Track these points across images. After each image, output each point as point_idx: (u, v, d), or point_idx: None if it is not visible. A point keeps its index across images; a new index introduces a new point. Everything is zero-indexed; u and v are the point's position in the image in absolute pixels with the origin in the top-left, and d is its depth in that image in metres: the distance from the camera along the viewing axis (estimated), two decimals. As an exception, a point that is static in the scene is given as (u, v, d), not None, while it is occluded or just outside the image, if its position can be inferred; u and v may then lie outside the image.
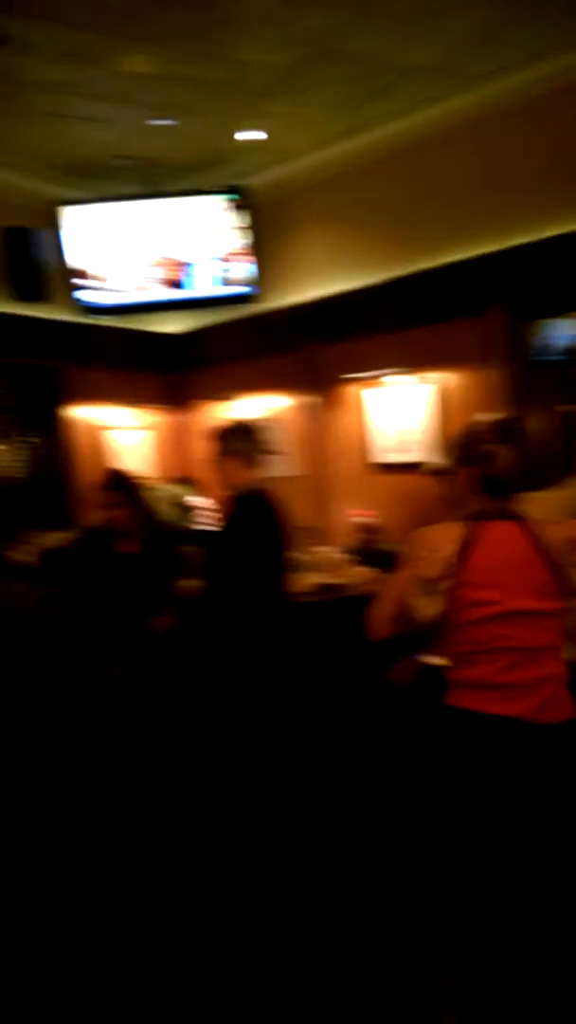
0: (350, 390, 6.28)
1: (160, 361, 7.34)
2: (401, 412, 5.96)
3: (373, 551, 5.36)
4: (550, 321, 5.79)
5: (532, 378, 5.53)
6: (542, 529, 2.19)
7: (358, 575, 4.84)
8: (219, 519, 3.85)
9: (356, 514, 5.84)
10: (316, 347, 6.37)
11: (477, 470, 2.19)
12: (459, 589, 2.14)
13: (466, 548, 2.15)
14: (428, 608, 2.16)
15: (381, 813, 3.46)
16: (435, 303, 5.61)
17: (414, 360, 5.81)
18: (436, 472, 2.46)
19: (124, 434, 7.10)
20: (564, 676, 2.19)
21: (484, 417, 2.26)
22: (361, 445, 6.24)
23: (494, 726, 2.11)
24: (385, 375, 5.98)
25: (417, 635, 2.25)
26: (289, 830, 3.39)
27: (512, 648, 2.13)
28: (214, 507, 5.28)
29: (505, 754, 2.10)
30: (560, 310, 5.70)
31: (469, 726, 2.14)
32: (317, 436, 6.51)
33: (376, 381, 6.05)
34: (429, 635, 2.24)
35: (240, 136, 5.68)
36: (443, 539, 2.19)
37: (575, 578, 2.15)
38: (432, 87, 5.13)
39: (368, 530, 5.63)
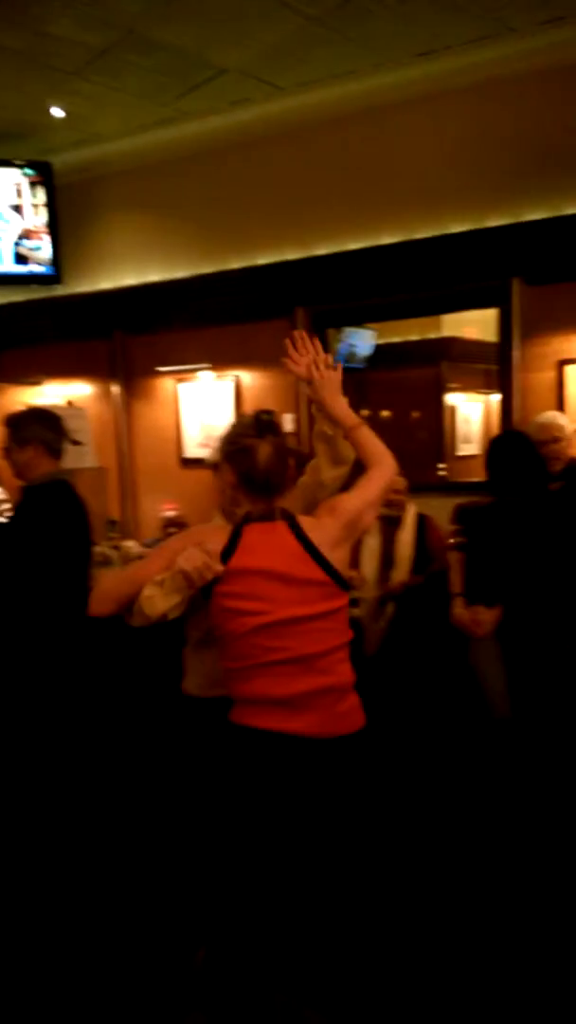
0: (163, 383, 6.24)
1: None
2: (209, 407, 6.02)
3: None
4: (351, 329, 6.11)
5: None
6: (315, 525, 2.08)
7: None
8: (10, 511, 3.62)
9: (166, 508, 5.82)
10: (123, 336, 6.26)
11: (238, 467, 2.07)
12: (220, 599, 2.00)
13: (226, 555, 2.00)
14: (159, 603, 1.98)
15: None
16: (243, 302, 5.71)
17: (222, 356, 5.90)
18: (213, 467, 2.36)
19: None
20: (349, 683, 2.09)
21: (246, 413, 2.18)
22: (173, 439, 6.22)
23: (276, 744, 1.98)
24: (197, 369, 6.00)
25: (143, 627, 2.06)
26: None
27: (287, 660, 1.98)
28: (8, 498, 5.01)
29: (287, 773, 1.99)
30: (358, 319, 6.04)
31: (251, 744, 2.01)
32: (125, 428, 6.41)
33: (192, 375, 6.06)
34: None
35: (46, 111, 5.44)
36: (213, 541, 2.03)
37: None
38: (245, 90, 5.21)
39: (176, 524, 5.62)
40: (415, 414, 7.16)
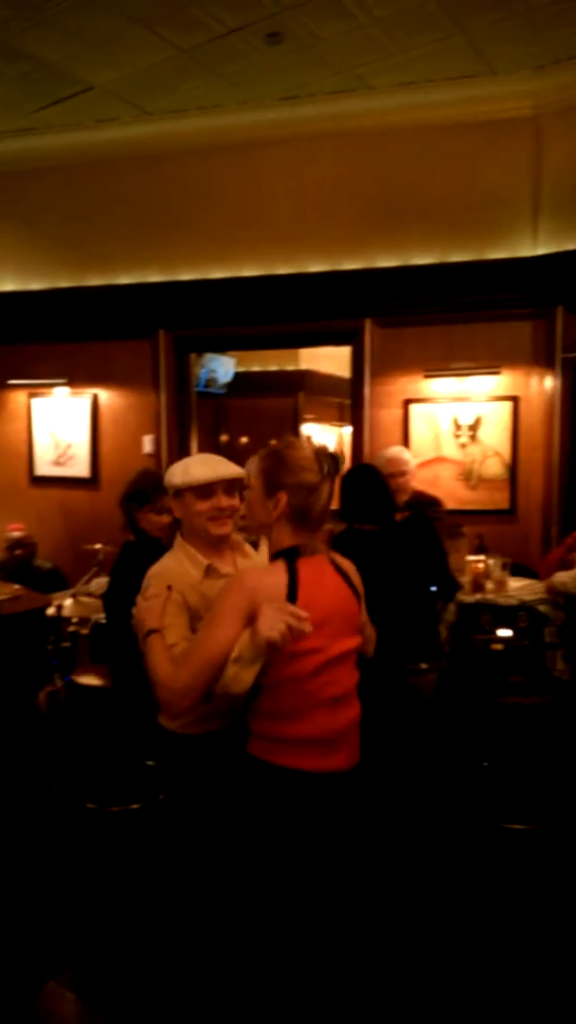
0: (14, 396, 6.02)
1: None
2: (65, 425, 5.87)
3: (25, 567, 5.18)
4: (212, 355, 6.20)
5: (192, 406, 5.85)
6: (341, 560, 2.08)
7: (4, 591, 4.61)
8: None
9: (11, 529, 5.58)
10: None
11: (295, 500, 1.96)
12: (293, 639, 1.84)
13: (293, 592, 1.89)
14: (246, 676, 1.82)
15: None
16: (103, 320, 5.65)
17: (79, 373, 5.79)
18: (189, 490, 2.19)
19: None
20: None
21: (299, 441, 2.08)
22: (23, 455, 6.00)
23: (322, 783, 1.93)
24: (53, 385, 5.84)
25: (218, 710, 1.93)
26: None
27: (336, 697, 1.95)
28: None
29: (330, 809, 1.95)
30: (220, 347, 6.14)
31: (299, 786, 1.92)
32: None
33: (47, 390, 5.89)
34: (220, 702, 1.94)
35: None
36: (272, 584, 1.89)
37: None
38: (112, 110, 5.21)
39: (22, 545, 5.41)
40: (272, 442, 7.32)
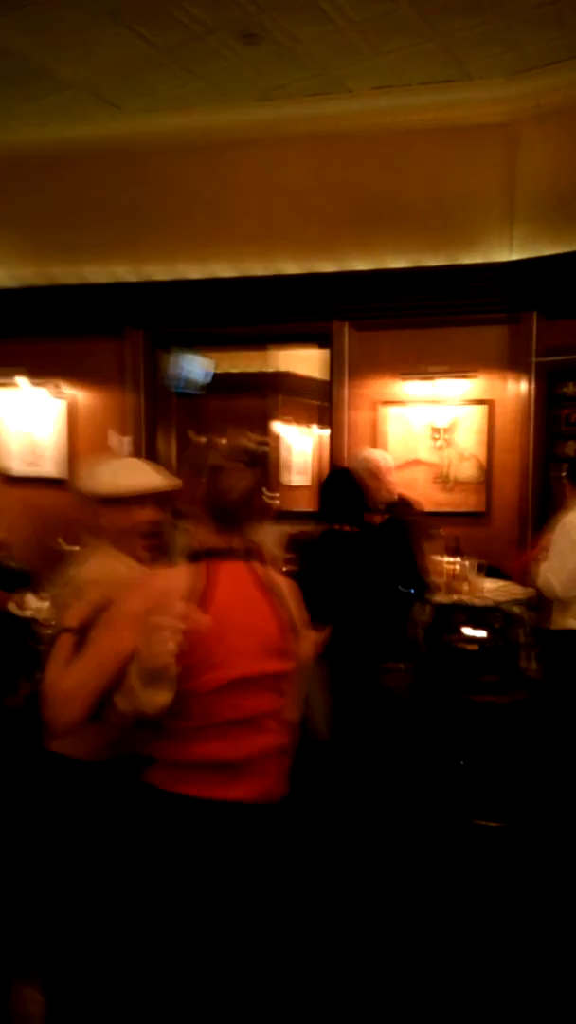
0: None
1: None
2: (33, 422, 5.80)
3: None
4: (188, 355, 6.17)
5: (166, 405, 5.83)
6: (276, 578, 1.89)
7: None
8: None
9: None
10: None
11: (211, 492, 1.82)
12: (187, 649, 1.65)
13: (201, 601, 1.70)
14: (157, 699, 1.62)
15: None
16: (73, 318, 5.60)
17: (48, 370, 5.72)
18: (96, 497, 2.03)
19: None
20: (288, 747, 1.89)
21: (223, 436, 2.03)
22: (-8, 454, 5.93)
23: (219, 813, 1.74)
24: (17, 378, 5.77)
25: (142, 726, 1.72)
26: None
27: (238, 720, 1.75)
28: None
29: (228, 843, 1.76)
30: (192, 345, 6.12)
31: (191, 814, 1.73)
32: None
33: (11, 383, 5.81)
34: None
35: None
36: (183, 587, 1.72)
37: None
38: (85, 106, 5.16)
39: (-4, 546, 5.32)
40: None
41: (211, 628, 1.68)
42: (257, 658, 1.78)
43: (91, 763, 1.95)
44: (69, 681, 1.71)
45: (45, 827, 2.04)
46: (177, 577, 1.76)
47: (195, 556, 1.81)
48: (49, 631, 4.06)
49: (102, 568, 2.00)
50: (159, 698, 1.63)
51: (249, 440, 1.94)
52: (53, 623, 4.01)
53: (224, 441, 1.97)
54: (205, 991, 1.77)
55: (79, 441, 5.70)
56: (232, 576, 1.79)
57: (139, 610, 1.68)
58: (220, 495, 1.81)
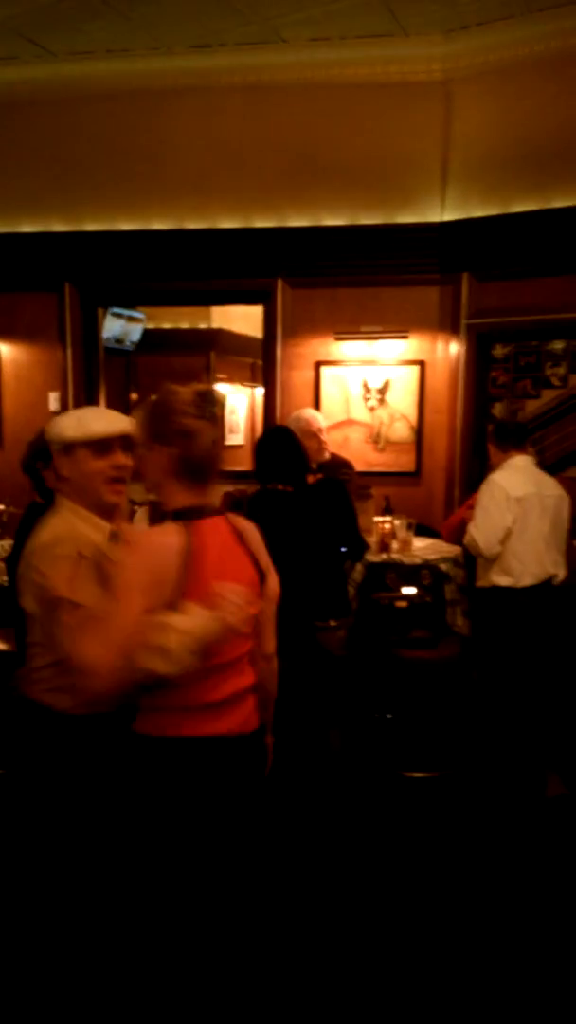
0: None
1: None
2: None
3: None
4: (122, 311, 6.05)
5: (102, 363, 5.72)
6: (244, 524, 1.96)
7: None
8: None
9: None
10: None
11: (177, 450, 1.82)
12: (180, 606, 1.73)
13: (190, 560, 1.75)
14: (196, 660, 1.71)
15: None
16: (6, 271, 5.42)
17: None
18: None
19: None
20: (255, 684, 2.00)
21: (180, 387, 1.88)
22: None
23: (210, 747, 1.85)
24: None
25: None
26: None
27: (221, 664, 1.84)
28: None
29: (222, 775, 1.87)
30: (129, 302, 6.00)
31: (187, 753, 1.84)
32: None
33: None
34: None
35: None
36: (172, 549, 1.76)
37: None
38: (12, 48, 4.92)
39: None
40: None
41: (204, 584, 1.74)
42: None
43: (74, 716, 1.96)
44: (111, 657, 1.66)
45: (29, 779, 2.07)
46: (169, 535, 1.78)
47: (175, 516, 1.83)
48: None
49: (56, 526, 1.98)
50: (195, 662, 1.69)
51: (211, 390, 1.88)
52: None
53: (182, 395, 1.84)
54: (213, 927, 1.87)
55: (10, 399, 5.56)
56: (213, 530, 1.84)
57: (144, 569, 1.73)
58: (194, 453, 1.81)
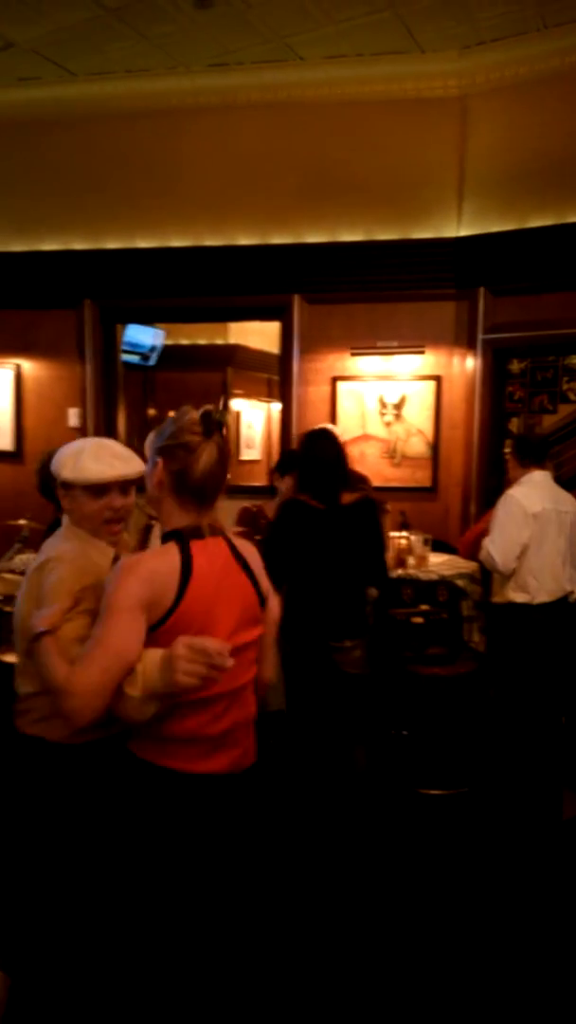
0: None
1: None
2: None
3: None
4: (140, 327, 6.10)
5: (120, 379, 5.77)
6: (244, 546, 1.93)
7: None
8: None
9: None
10: None
11: (173, 467, 1.80)
12: (169, 636, 1.67)
13: (184, 581, 1.74)
14: (148, 710, 1.69)
15: None
16: (26, 288, 5.49)
17: (1, 343, 5.62)
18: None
19: None
20: (255, 716, 1.97)
21: (190, 408, 1.87)
22: None
23: (198, 785, 1.81)
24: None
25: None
26: None
27: (222, 693, 1.78)
28: None
29: (213, 814, 1.83)
30: (148, 318, 6.05)
31: (174, 787, 1.80)
32: None
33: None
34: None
35: None
36: (165, 570, 1.74)
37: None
38: (34, 69, 5.01)
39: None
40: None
41: (199, 607, 1.73)
42: (240, 630, 1.83)
43: (68, 745, 1.95)
44: (95, 676, 1.66)
45: (24, 810, 2.05)
46: (163, 558, 1.76)
47: (171, 537, 1.81)
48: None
49: (63, 549, 1.99)
50: (150, 709, 1.67)
51: (216, 412, 1.87)
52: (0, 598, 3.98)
53: (189, 415, 1.84)
54: (199, 954, 1.84)
55: (31, 414, 5.62)
56: (209, 553, 1.81)
57: (138, 594, 1.70)
58: (189, 470, 1.79)
